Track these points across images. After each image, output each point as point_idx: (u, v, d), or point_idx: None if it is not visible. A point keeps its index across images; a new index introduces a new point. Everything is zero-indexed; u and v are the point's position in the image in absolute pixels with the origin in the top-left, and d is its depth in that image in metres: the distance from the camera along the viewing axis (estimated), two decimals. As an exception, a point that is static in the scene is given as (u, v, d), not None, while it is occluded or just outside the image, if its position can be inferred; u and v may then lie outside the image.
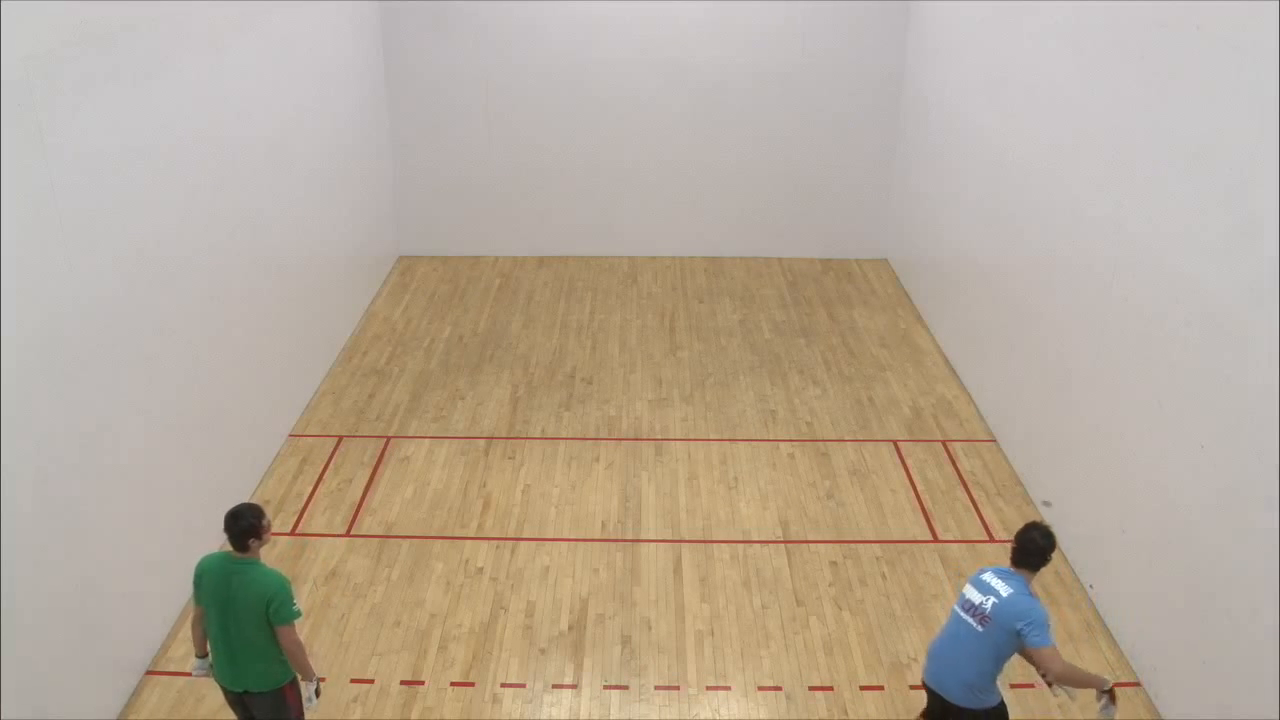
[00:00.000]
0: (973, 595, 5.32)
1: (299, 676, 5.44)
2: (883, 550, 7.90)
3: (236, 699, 5.49)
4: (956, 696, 5.34)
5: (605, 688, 6.63)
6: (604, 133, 13.02)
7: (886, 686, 6.63)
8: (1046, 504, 7.88)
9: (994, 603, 5.21)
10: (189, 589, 7.20)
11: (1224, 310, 5.80)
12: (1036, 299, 8.38)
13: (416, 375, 10.52)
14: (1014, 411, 8.98)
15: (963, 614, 5.34)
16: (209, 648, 5.43)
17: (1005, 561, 7.40)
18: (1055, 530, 8.06)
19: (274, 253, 9.00)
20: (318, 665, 6.74)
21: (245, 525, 5.21)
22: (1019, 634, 5.12)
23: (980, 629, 5.23)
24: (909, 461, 9.01)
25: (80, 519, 5.95)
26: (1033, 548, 5.31)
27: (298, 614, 5.28)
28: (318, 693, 5.49)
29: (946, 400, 10.04)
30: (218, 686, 6.28)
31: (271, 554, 7.77)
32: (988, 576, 5.35)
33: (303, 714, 5.56)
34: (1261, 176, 5.44)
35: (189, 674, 6.48)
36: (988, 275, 9.61)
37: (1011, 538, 5.45)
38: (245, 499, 8.27)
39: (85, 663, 6.03)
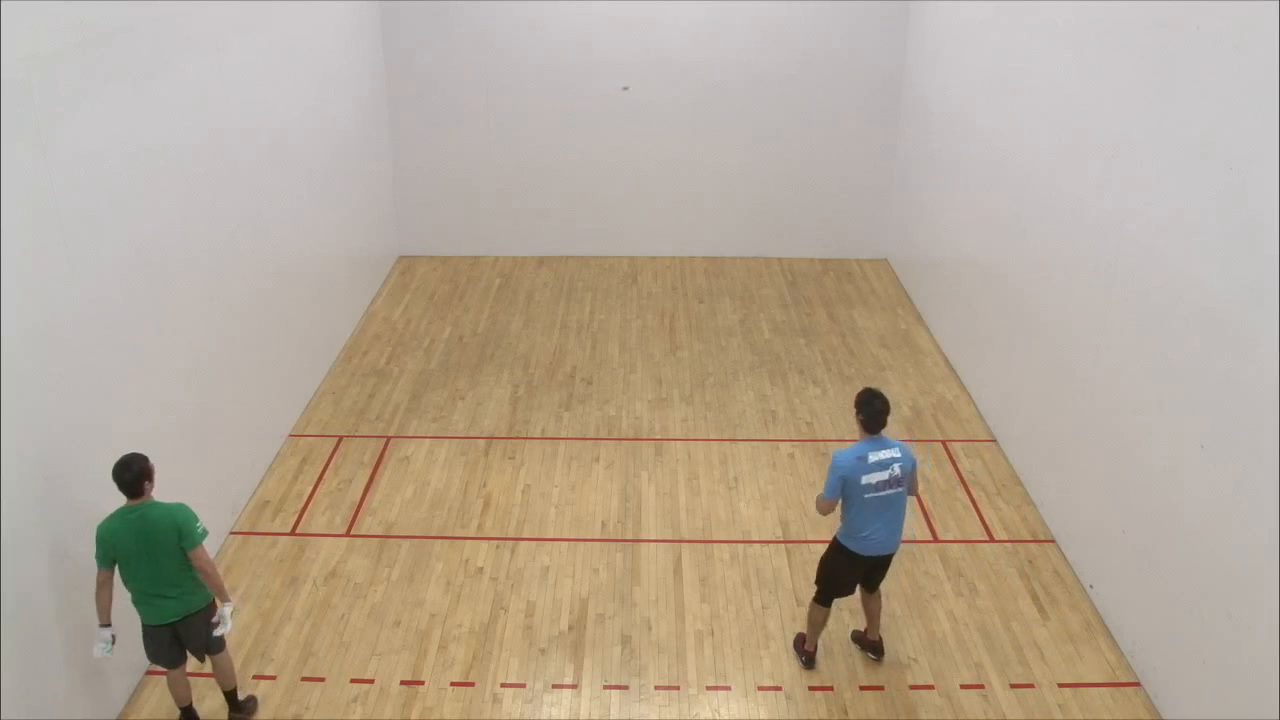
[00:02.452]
0: (879, 476, 6.13)
1: (220, 601, 5.83)
2: (883, 550, 7.89)
3: (168, 635, 5.85)
4: (897, 546, 6.42)
5: (605, 688, 6.63)
6: (604, 133, 13.02)
7: (886, 686, 6.62)
8: (625, 88, 7.68)
9: (900, 465, 6.17)
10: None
11: (1224, 310, 5.80)
12: (1036, 299, 8.38)
13: (416, 375, 10.52)
14: (1014, 411, 8.98)
15: (880, 492, 6.15)
16: (136, 600, 5.75)
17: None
18: (1055, 531, 8.11)
19: (274, 253, 9.00)
20: (318, 665, 6.76)
21: (137, 470, 5.55)
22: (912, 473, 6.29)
23: (901, 489, 6.22)
24: (909, 461, 9.01)
25: (80, 518, 5.95)
26: (887, 413, 6.17)
27: (204, 534, 5.68)
28: (232, 614, 5.90)
29: (946, 400, 10.04)
30: (217, 687, 6.34)
31: (272, 553, 7.78)
32: (875, 457, 6.12)
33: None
34: (1261, 176, 5.44)
35: (189, 674, 6.44)
36: (988, 275, 9.61)
37: (861, 409, 6.22)
38: (245, 499, 8.32)
39: (85, 663, 6.02)
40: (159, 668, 6.21)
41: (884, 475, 6.13)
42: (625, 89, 6.65)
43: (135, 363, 6.57)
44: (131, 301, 6.52)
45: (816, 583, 6.65)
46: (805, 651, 6.76)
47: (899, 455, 6.18)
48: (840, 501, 6.24)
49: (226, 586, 5.95)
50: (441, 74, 12.68)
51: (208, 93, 7.61)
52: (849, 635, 6.96)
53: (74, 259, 5.87)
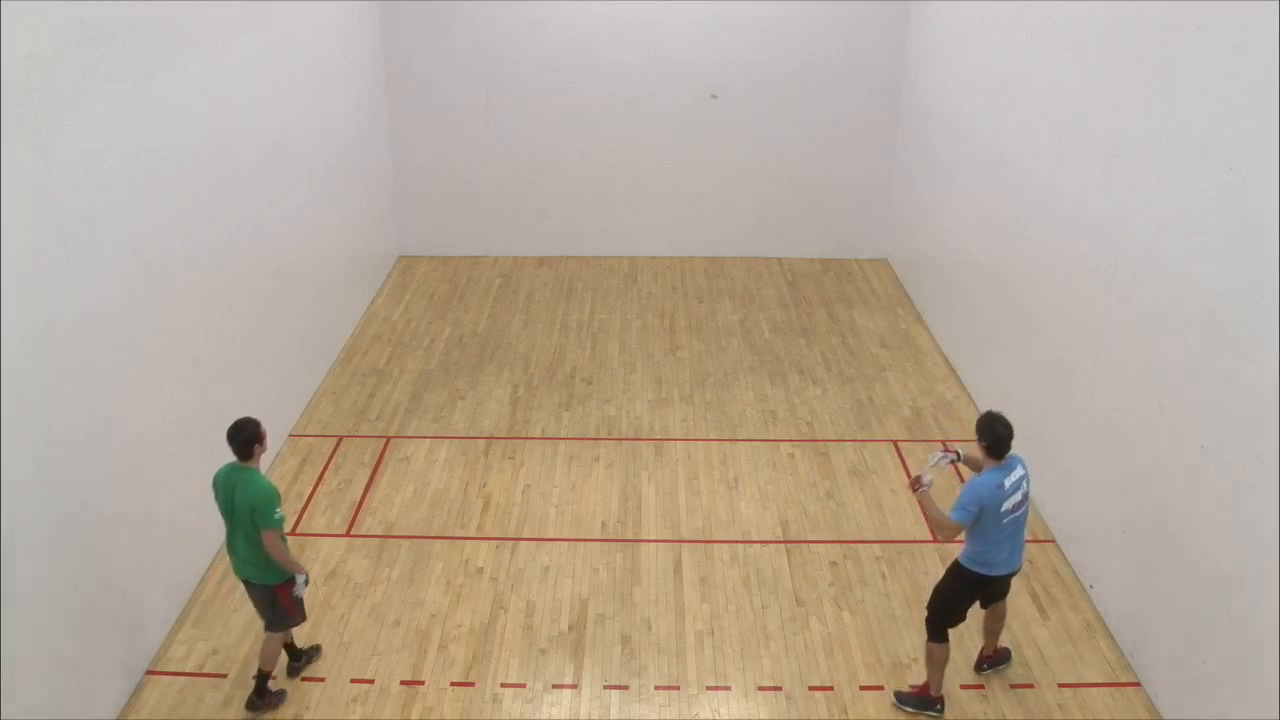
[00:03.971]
0: (1015, 498, 5.97)
1: (295, 573, 6.18)
2: (883, 550, 7.89)
3: (244, 583, 6.31)
4: (1021, 562, 6.29)
5: (605, 688, 6.63)
6: (604, 133, 13.02)
7: (886, 686, 6.62)
8: (714, 96, 7.29)
9: (1026, 481, 6.06)
10: (189, 588, 7.33)
11: (1224, 310, 5.80)
12: (1036, 299, 8.38)
13: (416, 375, 10.51)
14: (1014, 411, 8.92)
15: (1015, 514, 6.01)
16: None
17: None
18: (1055, 531, 8.11)
19: (274, 253, 9.00)
20: (318, 665, 6.76)
21: (242, 437, 5.97)
22: None
23: (1028, 503, 6.12)
24: (909, 461, 9.01)
25: (79, 519, 5.95)
26: (1011, 436, 5.99)
27: (278, 521, 5.95)
28: (306, 582, 6.26)
29: (946, 400, 10.03)
30: (218, 688, 6.39)
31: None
32: (1009, 481, 5.95)
33: (293, 610, 6.30)
34: (1261, 176, 5.44)
35: (189, 673, 6.68)
36: (988, 275, 9.61)
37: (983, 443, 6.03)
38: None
39: (85, 663, 6.03)
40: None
41: (1018, 497, 5.97)
42: (714, 96, 6.28)
43: (135, 363, 6.57)
44: (131, 301, 6.52)
45: (930, 618, 6.31)
46: (934, 699, 6.34)
47: (1025, 471, 6.03)
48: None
49: (299, 561, 6.39)
50: (441, 74, 12.68)
51: (208, 93, 7.60)
52: (973, 667, 6.73)
53: (74, 259, 5.87)
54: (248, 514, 5.93)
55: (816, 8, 12.41)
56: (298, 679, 6.64)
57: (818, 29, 12.50)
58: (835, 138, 13.01)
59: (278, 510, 5.94)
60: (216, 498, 6.12)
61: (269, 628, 6.32)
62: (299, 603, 6.29)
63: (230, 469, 6.07)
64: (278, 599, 6.21)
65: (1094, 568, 7.37)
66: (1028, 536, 7.97)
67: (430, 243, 13.59)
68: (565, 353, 11.00)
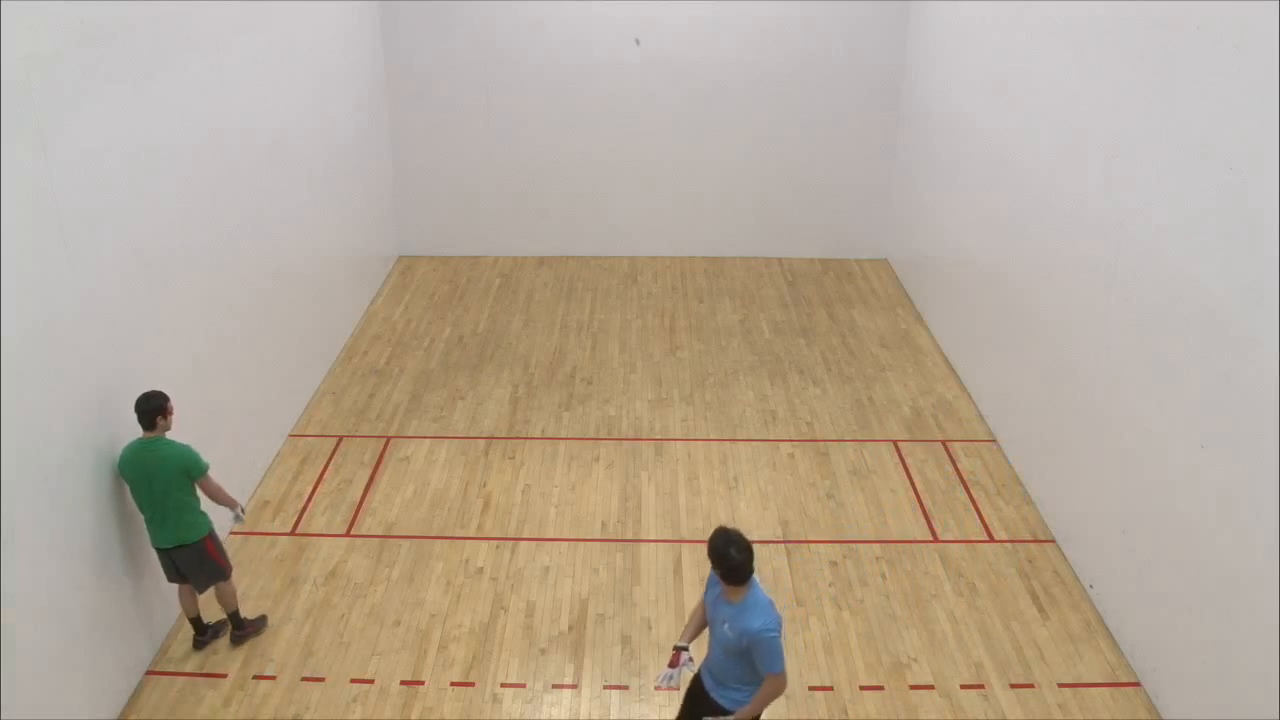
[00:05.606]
0: None
1: (230, 509, 6.60)
2: (883, 550, 7.89)
3: (167, 556, 6.47)
4: None
5: (605, 688, 6.63)
6: (604, 133, 13.02)
7: (886, 686, 6.62)
8: (637, 41, 6.14)
9: None
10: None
11: (1224, 310, 5.80)
12: (1036, 299, 8.38)
13: (416, 375, 10.52)
14: (1014, 411, 8.97)
15: None
16: (145, 522, 6.40)
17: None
18: (1055, 531, 8.10)
19: (274, 253, 9.00)
20: (318, 665, 6.76)
21: (154, 405, 6.13)
22: None
23: None
24: (909, 461, 9.01)
25: (79, 519, 5.95)
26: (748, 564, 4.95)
27: (207, 465, 6.31)
28: (243, 512, 6.74)
29: (946, 400, 10.04)
30: (218, 688, 6.35)
31: (271, 554, 7.78)
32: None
33: (221, 560, 6.61)
34: (1261, 176, 5.44)
35: (189, 673, 6.70)
36: (988, 275, 9.61)
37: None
38: (245, 499, 8.32)
39: (85, 663, 6.03)
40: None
41: None
42: (638, 42, 5.37)
43: (135, 363, 6.57)
44: (131, 301, 6.52)
45: None
46: None
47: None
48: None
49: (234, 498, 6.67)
50: (441, 74, 12.68)
51: (208, 93, 7.60)
52: None
53: (74, 259, 5.87)
54: (178, 476, 6.17)
55: (816, 8, 12.41)
56: (203, 650, 6.87)
57: (818, 29, 12.50)
58: (835, 138, 13.01)
59: (203, 459, 6.22)
60: (126, 477, 6.21)
61: (205, 587, 6.63)
62: (221, 550, 6.58)
63: (139, 446, 6.17)
64: (207, 552, 6.47)
65: (1094, 568, 7.37)
66: (1028, 537, 8.02)
67: (430, 243, 13.59)
68: (565, 353, 11.00)
